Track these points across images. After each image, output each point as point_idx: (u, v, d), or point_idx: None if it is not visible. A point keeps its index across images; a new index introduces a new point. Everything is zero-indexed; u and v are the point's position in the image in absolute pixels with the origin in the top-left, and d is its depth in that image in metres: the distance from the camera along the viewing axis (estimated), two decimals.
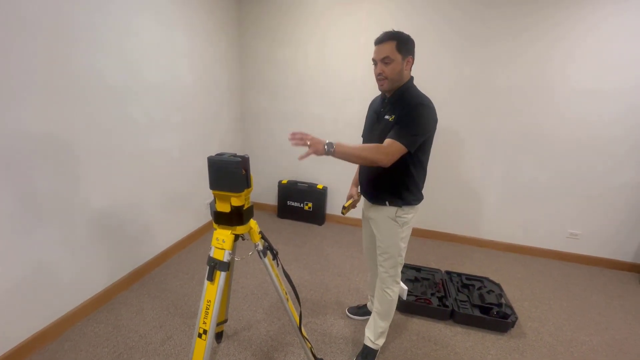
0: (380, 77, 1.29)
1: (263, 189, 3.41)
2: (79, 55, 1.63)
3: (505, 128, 2.57)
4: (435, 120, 1.30)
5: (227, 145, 3.09)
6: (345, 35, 2.72)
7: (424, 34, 2.53)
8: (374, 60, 1.30)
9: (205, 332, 1.11)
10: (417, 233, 3.03)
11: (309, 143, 1.10)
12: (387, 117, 1.32)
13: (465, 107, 2.61)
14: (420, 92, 1.32)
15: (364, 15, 2.63)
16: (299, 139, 1.10)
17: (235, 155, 1.08)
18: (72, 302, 1.78)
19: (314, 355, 1.47)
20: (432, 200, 2.92)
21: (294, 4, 2.79)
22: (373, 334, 1.59)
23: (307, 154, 1.10)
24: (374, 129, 1.40)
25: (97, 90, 1.75)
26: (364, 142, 1.49)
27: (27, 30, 1.40)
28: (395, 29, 1.26)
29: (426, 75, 2.62)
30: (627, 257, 2.58)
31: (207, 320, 1.11)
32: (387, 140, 1.23)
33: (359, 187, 1.59)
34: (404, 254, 1.50)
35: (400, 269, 1.52)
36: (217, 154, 1.09)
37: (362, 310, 1.93)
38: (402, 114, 1.26)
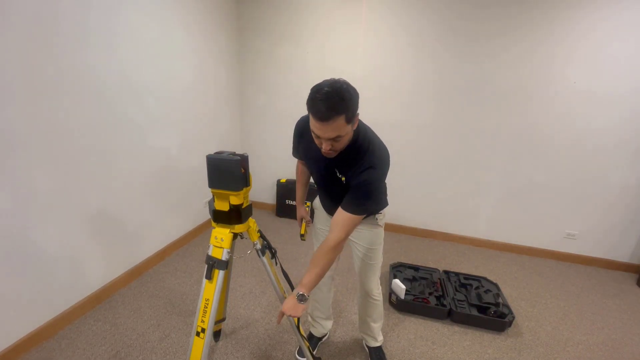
0: (329, 152, 1.03)
1: (262, 188, 3.41)
2: (77, 53, 1.61)
3: (503, 128, 2.57)
4: (388, 168, 1.12)
5: (225, 143, 3.09)
6: (345, 33, 2.71)
7: (423, 34, 2.53)
8: (316, 135, 1.00)
9: (203, 330, 1.11)
10: (415, 233, 3.04)
11: (290, 315, 1.05)
12: (339, 175, 1.14)
13: (463, 108, 2.61)
14: (368, 137, 1.11)
15: (363, 13, 2.62)
16: (281, 318, 1.09)
17: (234, 154, 1.07)
18: (69, 300, 1.78)
19: (311, 354, 1.47)
20: (431, 200, 2.93)
21: (293, 1, 2.79)
22: (376, 337, 1.59)
23: (296, 316, 1.07)
24: (330, 182, 1.19)
25: (95, 89, 1.74)
26: (318, 185, 1.31)
27: (26, 30, 1.39)
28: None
29: (425, 75, 2.63)
30: (623, 257, 2.59)
31: (205, 319, 1.11)
32: (341, 214, 1.08)
33: (325, 211, 1.40)
34: None
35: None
36: (215, 153, 1.09)
37: (313, 344, 1.67)
38: (355, 178, 1.07)
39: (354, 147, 1.09)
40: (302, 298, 1.06)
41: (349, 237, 1.38)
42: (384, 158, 1.11)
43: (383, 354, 1.62)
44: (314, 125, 0.98)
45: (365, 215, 1.23)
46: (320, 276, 1.10)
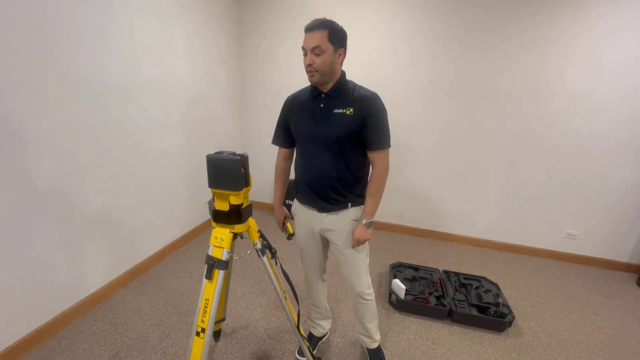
0: (310, 69, 1.17)
1: (262, 188, 3.41)
2: (77, 53, 1.62)
3: (503, 128, 2.57)
4: None
5: (225, 143, 3.09)
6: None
7: (423, 34, 2.54)
8: (303, 49, 1.18)
9: (203, 330, 1.11)
10: (415, 232, 3.04)
11: (362, 239, 1.28)
12: (340, 110, 1.21)
13: (463, 108, 2.61)
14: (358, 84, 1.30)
15: (363, 14, 2.63)
16: (357, 245, 1.30)
17: (234, 154, 1.07)
18: (69, 300, 1.78)
19: (311, 354, 1.47)
20: (430, 200, 2.93)
21: (293, 2, 2.79)
22: (373, 337, 1.57)
23: (367, 239, 1.30)
24: (322, 125, 1.24)
25: (95, 89, 1.74)
26: (300, 143, 1.34)
27: (25, 29, 1.39)
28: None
29: (425, 75, 2.63)
30: (623, 257, 2.59)
31: (205, 319, 1.11)
32: (378, 155, 1.25)
33: (305, 199, 1.38)
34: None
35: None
36: (215, 153, 1.09)
37: (313, 344, 1.67)
38: (366, 110, 1.19)
39: (347, 84, 1.26)
40: (369, 224, 1.28)
41: (335, 246, 1.40)
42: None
43: (383, 355, 1.61)
44: (303, 40, 1.17)
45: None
46: (378, 204, 1.30)
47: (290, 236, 1.44)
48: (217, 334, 1.68)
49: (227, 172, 1.06)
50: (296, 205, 1.46)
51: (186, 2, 2.32)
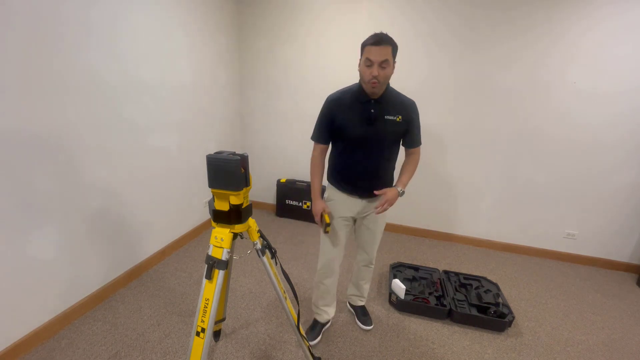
0: (374, 80, 1.26)
1: (262, 188, 3.41)
2: (76, 53, 1.62)
3: (503, 128, 2.57)
4: None
5: (225, 143, 3.09)
6: (344, 34, 2.71)
7: (423, 34, 2.54)
8: (369, 60, 1.25)
9: (203, 330, 1.11)
10: (415, 232, 3.04)
11: (390, 204, 1.41)
12: (391, 117, 1.38)
13: (464, 108, 2.61)
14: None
15: (363, 14, 2.63)
16: (385, 208, 1.42)
17: (234, 154, 1.07)
18: (69, 300, 1.78)
19: (311, 354, 1.47)
20: (430, 200, 2.93)
21: (293, 2, 2.79)
22: (365, 296, 1.89)
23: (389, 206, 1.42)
24: (373, 129, 1.38)
25: (95, 89, 1.74)
26: (349, 142, 1.44)
27: (26, 29, 1.39)
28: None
29: (424, 74, 2.63)
30: (623, 257, 2.59)
31: (205, 319, 1.11)
32: (416, 150, 1.52)
33: (352, 190, 1.52)
34: None
35: None
36: (215, 153, 1.09)
37: (317, 331, 1.75)
38: (410, 116, 1.42)
39: (393, 92, 1.42)
40: (402, 193, 1.46)
41: (365, 225, 1.62)
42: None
43: (366, 309, 1.92)
44: (369, 52, 1.25)
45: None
46: (410, 179, 1.52)
47: (327, 226, 1.49)
48: (217, 334, 1.68)
49: (227, 172, 1.06)
50: (335, 194, 1.57)
51: (186, 2, 2.32)
